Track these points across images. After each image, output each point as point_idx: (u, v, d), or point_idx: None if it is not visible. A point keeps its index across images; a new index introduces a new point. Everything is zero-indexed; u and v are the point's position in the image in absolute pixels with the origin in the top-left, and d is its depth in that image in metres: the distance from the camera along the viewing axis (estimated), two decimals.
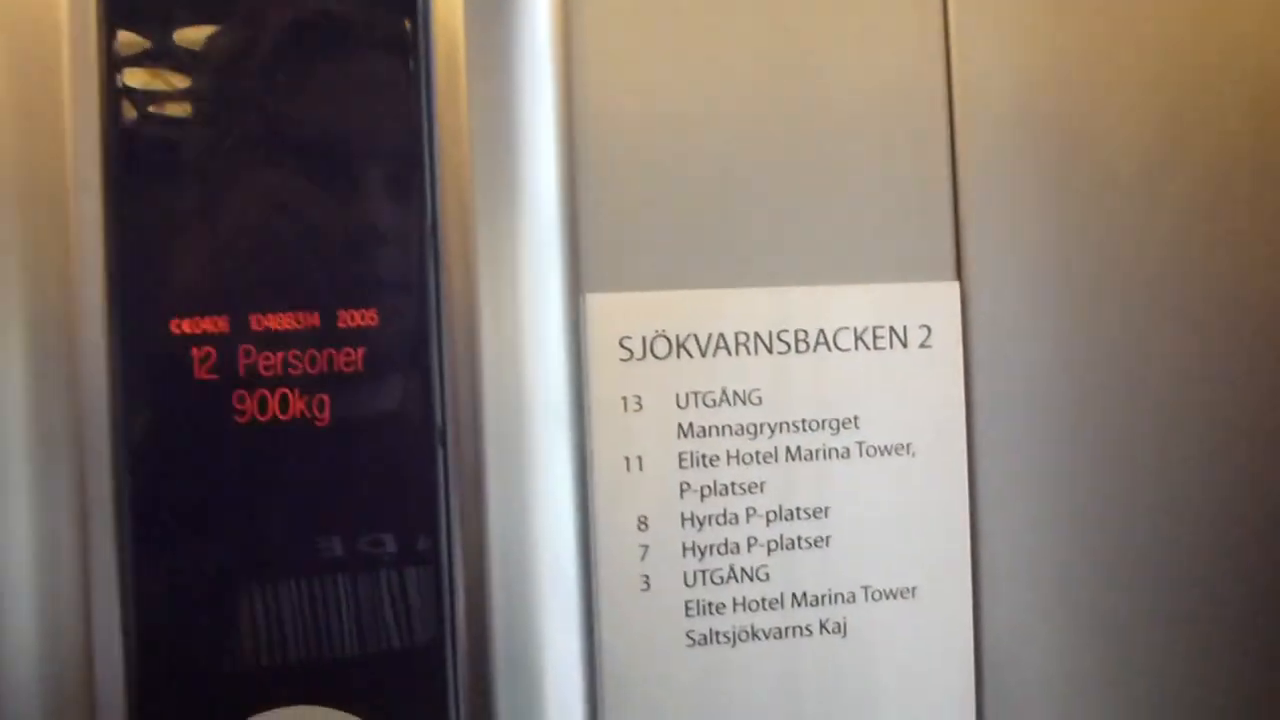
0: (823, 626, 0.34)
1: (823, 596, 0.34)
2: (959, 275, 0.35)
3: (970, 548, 0.35)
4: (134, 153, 0.31)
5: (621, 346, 0.33)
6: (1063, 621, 0.36)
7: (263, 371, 0.31)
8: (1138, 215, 0.36)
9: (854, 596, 0.35)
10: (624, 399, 0.33)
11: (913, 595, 0.35)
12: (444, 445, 0.32)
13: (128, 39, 0.31)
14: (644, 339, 0.33)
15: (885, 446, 0.35)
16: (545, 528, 0.32)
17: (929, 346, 0.35)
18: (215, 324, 0.31)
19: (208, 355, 0.31)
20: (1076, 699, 0.36)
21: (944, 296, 0.35)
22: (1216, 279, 0.37)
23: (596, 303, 0.33)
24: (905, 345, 0.35)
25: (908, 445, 0.35)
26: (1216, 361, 0.37)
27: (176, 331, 0.31)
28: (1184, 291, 0.36)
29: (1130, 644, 0.36)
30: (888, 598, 0.35)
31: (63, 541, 0.31)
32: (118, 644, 0.31)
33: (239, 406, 0.31)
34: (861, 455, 0.35)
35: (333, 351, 0.31)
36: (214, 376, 0.31)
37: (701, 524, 0.34)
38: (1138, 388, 0.36)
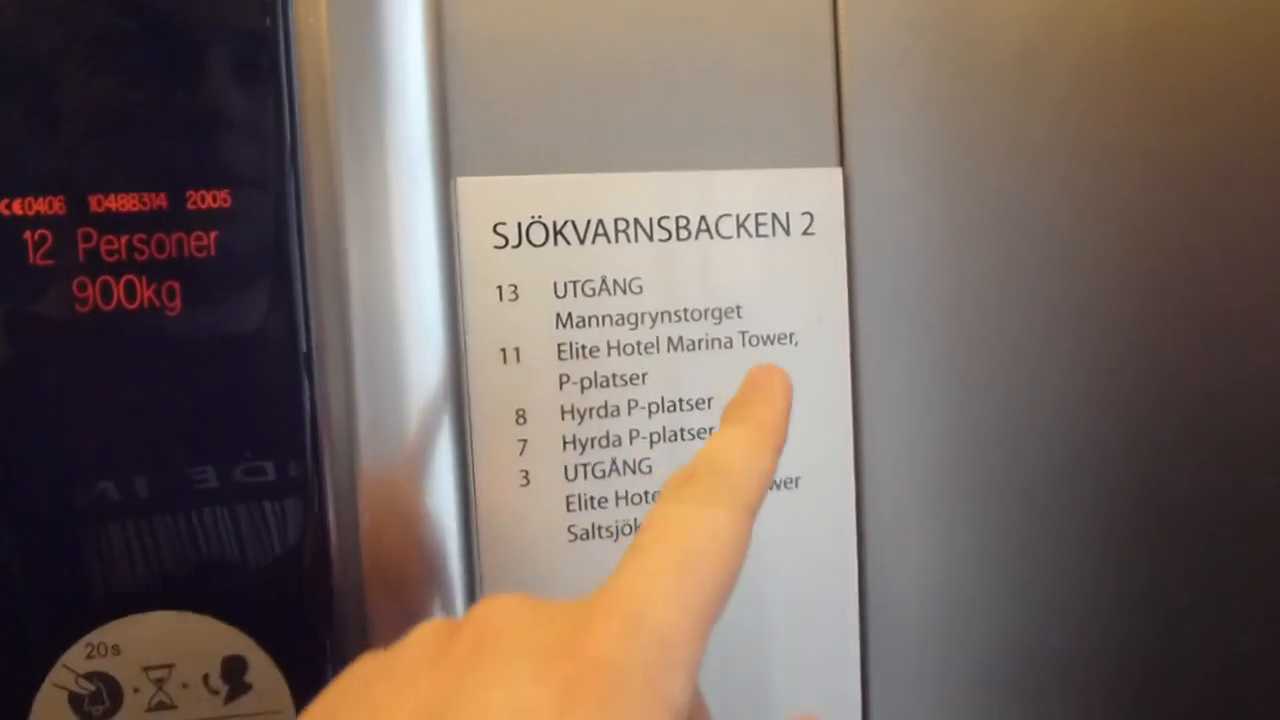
0: None
1: None
2: (842, 162, 0.34)
3: (853, 436, 0.35)
4: None
5: (496, 233, 0.32)
6: (942, 508, 0.36)
7: (105, 257, 0.29)
8: (1016, 103, 0.36)
9: None
10: (499, 288, 0.32)
11: (796, 485, 0.35)
12: (308, 353, 0.30)
13: None
14: (519, 225, 0.32)
15: (768, 336, 0.34)
16: (418, 423, 0.31)
17: (812, 234, 0.34)
18: (50, 205, 0.29)
19: (43, 238, 0.29)
20: (955, 582, 0.36)
21: (826, 183, 0.34)
22: (1093, 168, 0.37)
23: (468, 187, 0.32)
24: (788, 232, 0.34)
25: (791, 334, 0.34)
26: (1095, 250, 0.37)
27: (6, 213, 0.28)
28: (1062, 180, 0.36)
29: (1007, 529, 0.37)
30: (771, 488, 0.34)
31: None
32: None
33: (80, 295, 0.29)
34: (745, 345, 0.34)
35: (182, 235, 0.29)
36: (50, 262, 0.29)
37: (582, 417, 0.33)
38: (1018, 276, 0.36)
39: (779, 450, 0.25)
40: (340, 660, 0.30)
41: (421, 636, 0.22)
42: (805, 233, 0.34)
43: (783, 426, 0.25)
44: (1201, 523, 0.39)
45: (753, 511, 0.23)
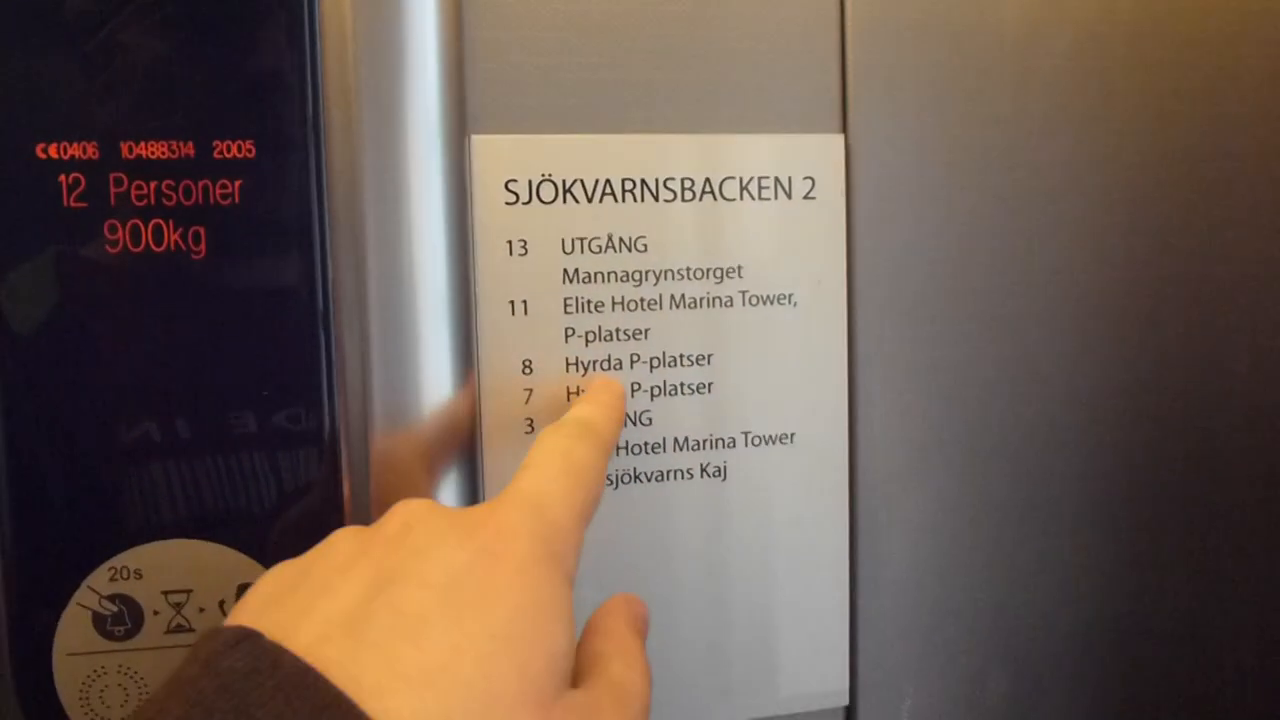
0: (703, 470, 0.35)
1: (704, 441, 0.35)
2: (844, 128, 0.36)
3: (848, 396, 0.36)
4: None
5: (507, 189, 0.33)
6: (934, 468, 0.37)
7: (135, 201, 0.30)
8: (1018, 75, 0.37)
9: (734, 442, 0.36)
10: (509, 243, 0.33)
11: (791, 441, 0.36)
12: (326, 301, 0.31)
13: None
14: (530, 183, 0.33)
15: (768, 296, 0.35)
16: (429, 370, 0.33)
17: (813, 198, 0.35)
18: (84, 149, 0.30)
19: (76, 181, 0.30)
20: (944, 542, 0.38)
21: (829, 149, 0.35)
22: (1092, 140, 0.38)
23: (482, 145, 0.33)
24: (790, 196, 0.35)
25: (789, 296, 0.35)
26: (1094, 218, 0.38)
27: (43, 155, 0.30)
28: (1062, 150, 0.37)
29: (997, 490, 0.38)
30: (767, 443, 0.36)
31: None
32: None
33: (110, 236, 0.30)
34: (745, 305, 0.35)
35: (208, 182, 0.31)
36: (84, 204, 0.30)
37: (586, 369, 0.34)
38: (1016, 243, 0.37)
39: (620, 420, 0.33)
40: None
41: (344, 535, 0.27)
42: (807, 197, 0.35)
43: (620, 406, 0.33)
44: (1187, 488, 0.40)
45: (608, 451, 0.30)
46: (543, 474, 0.27)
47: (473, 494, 0.33)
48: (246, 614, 0.24)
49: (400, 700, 0.21)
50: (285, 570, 0.26)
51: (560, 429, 0.30)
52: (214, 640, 0.22)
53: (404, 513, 0.26)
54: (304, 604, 0.24)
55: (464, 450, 0.33)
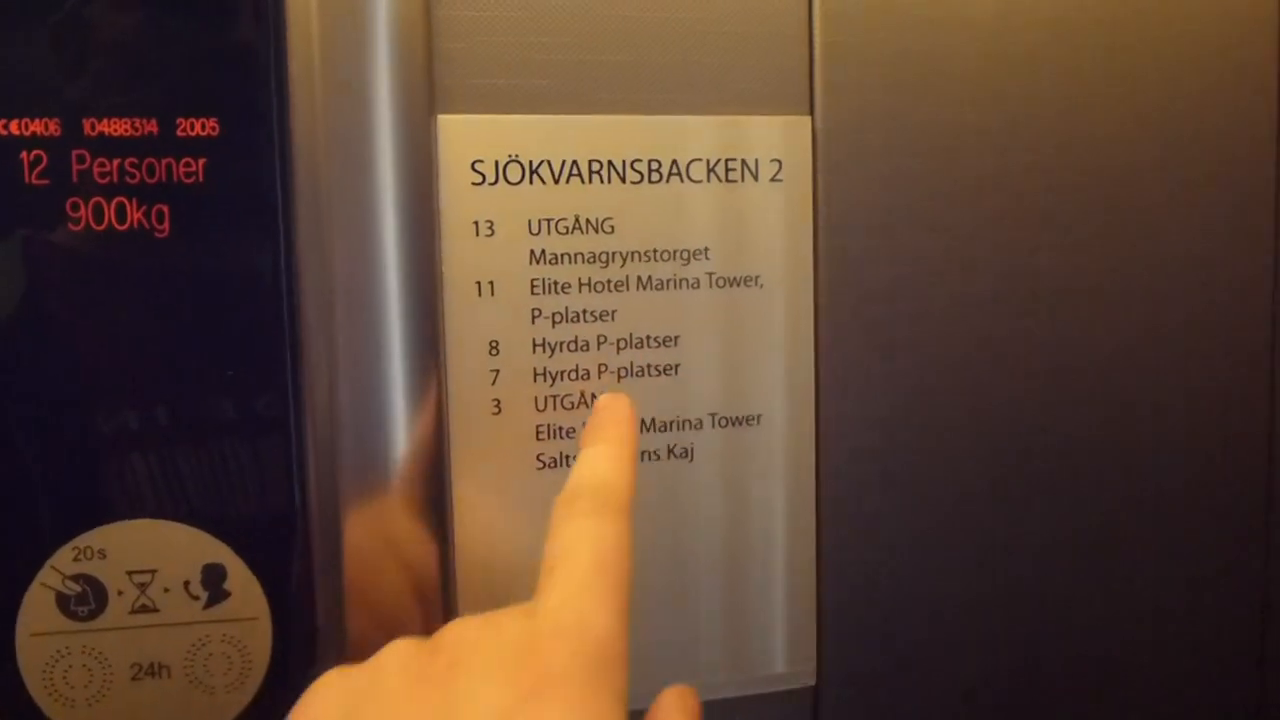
0: (670, 452, 0.36)
1: (671, 423, 0.35)
2: (811, 110, 0.36)
3: (814, 377, 0.36)
4: None
5: (473, 170, 0.33)
6: (902, 451, 0.38)
7: (98, 179, 0.30)
8: (989, 59, 0.37)
9: (701, 423, 0.36)
10: (475, 223, 0.33)
11: (758, 423, 0.36)
12: (290, 281, 0.31)
13: None
14: (496, 163, 0.33)
15: (734, 278, 0.35)
16: (395, 351, 0.33)
17: (780, 180, 0.36)
18: (46, 126, 0.30)
19: (38, 159, 0.30)
20: (913, 521, 0.38)
21: (796, 131, 0.36)
22: (1064, 125, 0.38)
23: (449, 124, 0.33)
24: (757, 179, 0.35)
25: (756, 278, 0.36)
26: (1065, 203, 0.38)
27: (3, 132, 0.30)
28: (1033, 135, 0.38)
29: (965, 473, 0.38)
30: (734, 424, 0.36)
31: None
32: None
33: (73, 214, 0.30)
34: (711, 286, 0.35)
35: (172, 160, 0.31)
36: (45, 182, 0.30)
37: (553, 350, 0.34)
38: (985, 225, 0.37)
39: (635, 459, 0.31)
40: (314, 569, 0.32)
41: (396, 657, 0.26)
42: (774, 179, 0.35)
43: (635, 440, 0.31)
44: (1155, 471, 0.40)
45: (630, 513, 0.28)
46: (575, 581, 0.26)
47: (439, 477, 0.33)
48: None
49: None
50: (332, 692, 0.26)
51: (576, 506, 0.28)
52: None
53: (453, 643, 0.26)
54: None
55: (430, 431, 0.33)
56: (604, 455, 0.30)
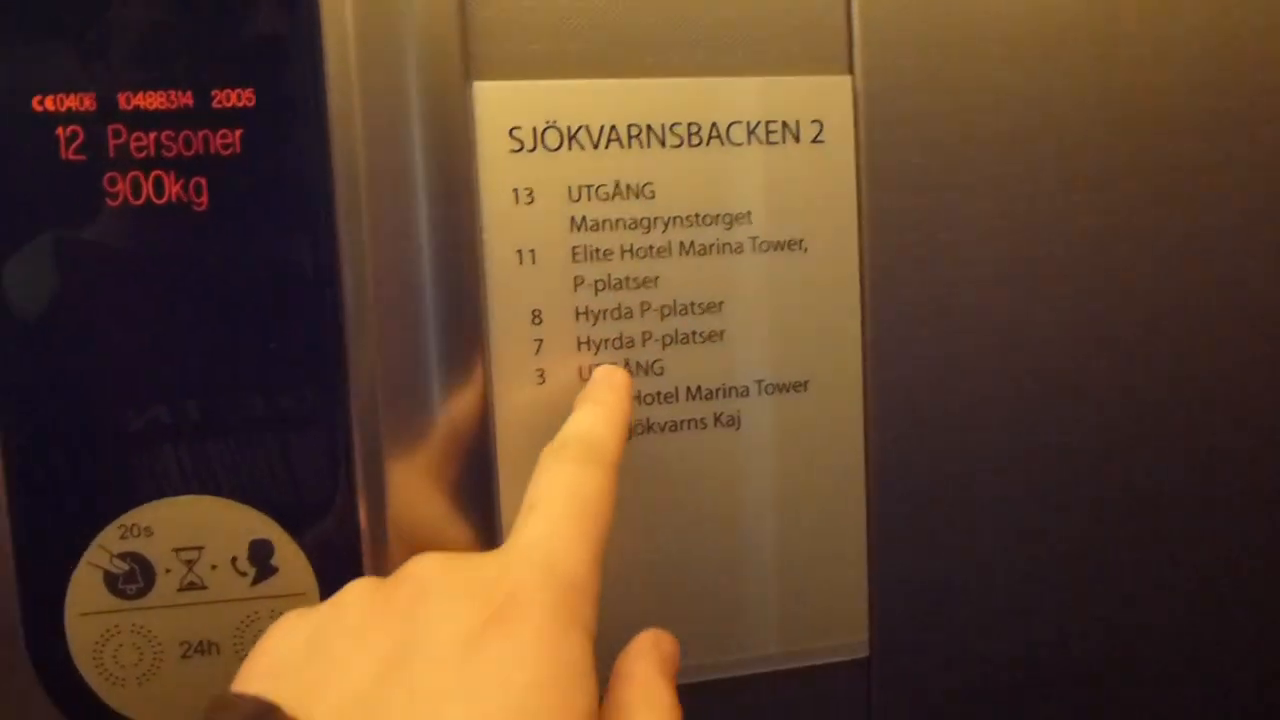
0: (717, 420, 0.35)
1: (716, 390, 0.35)
2: (851, 70, 0.35)
3: (861, 342, 0.36)
4: None
5: (511, 137, 0.33)
6: (950, 416, 0.37)
7: (135, 153, 0.30)
8: (1032, 12, 0.36)
9: (747, 390, 0.35)
10: (515, 191, 0.33)
11: (805, 389, 0.35)
12: (330, 253, 0.31)
13: None
14: (534, 129, 0.33)
15: (778, 242, 0.35)
16: (437, 321, 0.32)
17: (821, 141, 0.35)
18: (81, 101, 0.30)
19: (74, 134, 0.30)
20: (964, 487, 0.37)
21: (836, 91, 0.35)
22: (1108, 84, 0.37)
23: (485, 91, 0.32)
24: (798, 140, 0.35)
25: (800, 241, 0.35)
26: (1108, 165, 0.37)
27: (39, 109, 0.29)
28: (1078, 87, 0.37)
29: (1014, 437, 0.38)
30: (780, 391, 0.35)
31: None
32: None
33: (110, 189, 0.30)
34: (754, 250, 0.35)
35: (208, 132, 0.30)
36: (82, 158, 0.30)
37: (596, 318, 0.34)
38: (1028, 185, 0.37)
39: (627, 419, 0.31)
40: (360, 543, 0.32)
41: (358, 592, 0.26)
42: (815, 140, 0.35)
43: (626, 404, 0.32)
44: (1217, 438, 0.40)
45: (616, 468, 0.29)
46: (550, 520, 0.26)
47: (485, 445, 0.33)
48: (257, 678, 0.25)
49: None
50: (295, 629, 0.26)
51: (562, 454, 0.29)
52: (231, 714, 0.22)
53: (415, 575, 0.26)
54: (318, 678, 0.24)
55: (475, 402, 0.33)
56: (596, 413, 0.30)
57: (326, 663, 0.24)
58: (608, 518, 0.27)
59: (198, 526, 0.31)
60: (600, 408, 0.31)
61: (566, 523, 0.26)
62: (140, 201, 0.30)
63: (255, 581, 0.32)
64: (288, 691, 0.23)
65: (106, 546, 0.31)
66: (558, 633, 0.24)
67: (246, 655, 0.30)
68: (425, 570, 0.26)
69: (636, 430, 0.34)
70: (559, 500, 0.27)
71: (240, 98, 0.30)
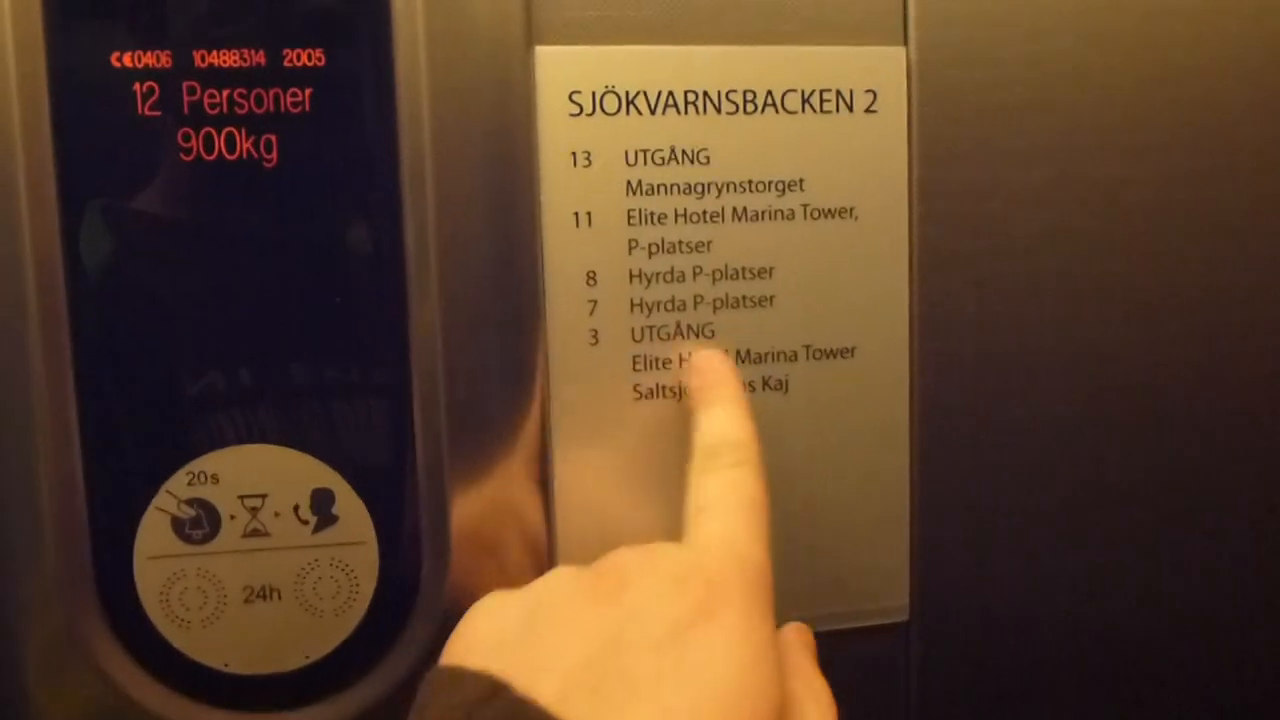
0: (765, 384, 0.36)
1: (765, 355, 0.36)
2: (905, 41, 0.35)
3: (908, 310, 0.36)
4: None
5: (571, 101, 0.33)
6: (996, 384, 0.37)
7: (208, 109, 0.31)
8: None
9: (796, 355, 0.36)
10: (573, 154, 0.34)
11: (852, 355, 0.36)
12: (395, 210, 0.32)
13: None
14: (594, 94, 0.34)
15: (829, 209, 0.35)
16: (495, 278, 0.33)
17: (874, 111, 0.35)
18: (158, 59, 0.30)
19: (150, 90, 0.31)
20: (1008, 455, 0.38)
21: (890, 61, 0.35)
22: (1165, 52, 0.37)
23: (546, 55, 0.33)
24: (851, 109, 0.35)
25: (851, 209, 0.36)
26: (1159, 135, 0.38)
27: (117, 64, 0.30)
28: (1133, 62, 0.37)
29: (1060, 405, 0.38)
30: (828, 357, 0.36)
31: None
32: (69, 385, 0.31)
33: (184, 144, 0.31)
34: (806, 218, 0.35)
35: (279, 91, 0.31)
36: (157, 113, 0.31)
37: (649, 281, 0.34)
38: (1079, 159, 0.37)
39: (750, 411, 0.33)
40: (419, 495, 0.33)
41: (563, 578, 0.28)
42: (868, 110, 0.35)
43: (744, 394, 0.33)
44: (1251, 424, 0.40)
45: (762, 463, 0.31)
46: (726, 519, 0.29)
47: (540, 402, 0.33)
48: (478, 654, 0.26)
49: None
50: (503, 611, 0.28)
51: (718, 461, 0.31)
52: (465, 688, 0.24)
53: (617, 566, 0.28)
54: (536, 658, 0.25)
55: (530, 360, 0.33)
56: (730, 415, 0.32)
57: (542, 644, 0.26)
58: (769, 513, 0.30)
59: (262, 475, 0.32)
60: (729, 406, 0.32)
61: (741, 520, 0.29)
62: (213, 157, 0.31)
63: (316, 530, 0.33)
64: (509, 666, 0.25)
65: (174, 492, 0.32)
66: (754, 618, 0.26)
67: (305, 600, 0.31)
68: (625, 561, 0.28)
69: (686, 392, 0.35)
70: (730, 501, 0.29)
71: (311, 58, 0.31)
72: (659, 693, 0.24)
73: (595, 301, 0.34)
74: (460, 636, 0.28)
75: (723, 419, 0.32)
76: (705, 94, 0.34)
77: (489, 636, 0.27)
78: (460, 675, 0.25)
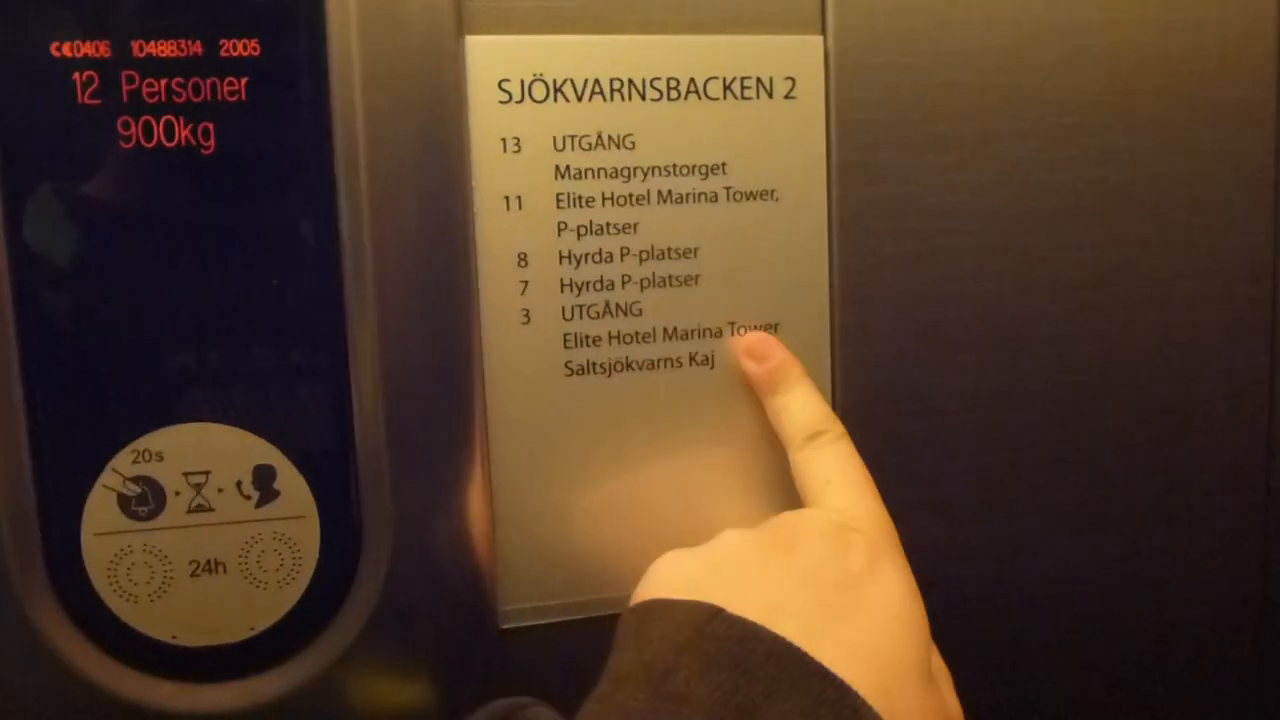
0: (691, 359, 0.37)
1: (692, 331, 0.37)
2: (823, 30, 0.37)
3: (828, 287, 0.38)
4: None
5: (500, 89, 0.35)
6: (915, 360, 0.39)
7: (147, 98, 0.32)
8: None
9: (721, 331, 0.37)
10: (503, 140, 0.35)
11: (775, 330, 0.38)
12: (329, 193, 0.33)
13: None
14: (522, 82, 0.35)
15: (751, 192, 0.37)
16: (429, 261, 0.34)
17: (794, 98, 0.37)
18: (96, 48, 0.31)
19: (90, 79, 0.32)
20: (927, 426, 0.40)
21: (808, 49, 0.37)
22: (1078, 36, 0.39)
23: (476, 45, 0.34)
24: (771, 96, 0.37)
25: (772, 191, 0.37)
26: (1073, 123, 0.39)
27: (57, 54, 0.31)
28: (1047, 47, 0.39)
29: (980, 380, 0.40)
30: (751, 329, 0.38)
31: None
32: (14, 367, 0.32)
33: (124, 132, 0.32)
34: (729, 200, 0.37)
35: (216, 80, 0.32)
36: (97, 102, 0.32)
37: (578, 261, 0.36)
38: (994, 142, 0.39)
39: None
40: (358, 469, 0.34)
41: (737, 535, 0.33)
42: (787, 96, 0.37)
43: (804, 369, 0.37)
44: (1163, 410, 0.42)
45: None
46: (852, 488, 0.34)
47: (471, 379, 0.35)
48: (671, 594, 0.30)
49: (846, 670, 0.26)
50: (688, 561, 0.32)
51: (825, 438, 0.35)
52: (683, 613, 0.28)
53: (783, 526, 0.33)
54: (735, 593, 0.29)
55: (462, 338, 0.35)
56: (812, 394, 0.37)
57: (734, 584, 0.29)
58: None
59: (205, 452, 0.33)
60: (807, 385, 0.37)
61: (863, 487, 0.34)
62: (152, 144, 0.32)
63: (259, 505, 0.34)
64: (716, 599, 0.28)
65: (120, 470, 0.33)
66: (902, 564, 0.32)
67: (250, 574, 0.32)
68: (791, 523, 0.33)
69: (616, 368, 0.37)
70: (850, 472, 0.34)
71: (247, 48, 0.32)
72: (852, 618, 0.28)
73: (526, 282, 0.36)
74: (649, 584, 0.31)
75: (809, 399, 0.36)
76: (630, 82, 0.36)
77: (678, 581, 0.30)
78: (670, 605, 0.29)
